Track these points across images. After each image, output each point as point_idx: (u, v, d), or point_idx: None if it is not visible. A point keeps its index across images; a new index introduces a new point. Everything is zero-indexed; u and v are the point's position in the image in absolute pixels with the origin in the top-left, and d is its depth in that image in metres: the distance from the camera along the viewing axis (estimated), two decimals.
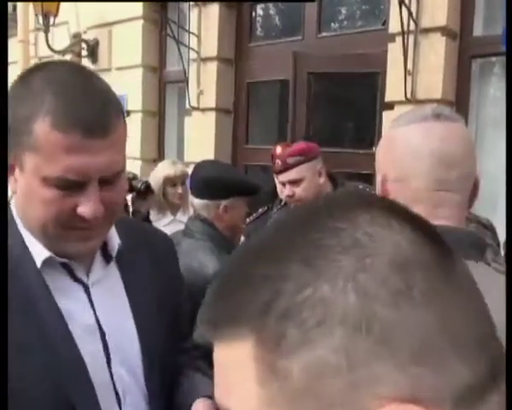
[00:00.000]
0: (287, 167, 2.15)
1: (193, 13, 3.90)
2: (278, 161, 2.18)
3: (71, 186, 0.80)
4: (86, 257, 0.92)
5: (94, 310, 0.90)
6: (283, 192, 2.21)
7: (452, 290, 0.33)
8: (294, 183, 2.16)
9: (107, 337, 0.90)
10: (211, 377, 0.39)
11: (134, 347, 0.94)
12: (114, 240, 0.95)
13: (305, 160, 2.14)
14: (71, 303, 0.88)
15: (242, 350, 0.34)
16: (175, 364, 1.04)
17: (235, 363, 0.34)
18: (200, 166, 2.03)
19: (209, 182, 1.80)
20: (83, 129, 0.78)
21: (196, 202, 1.85)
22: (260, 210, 2.80)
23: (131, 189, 2.43)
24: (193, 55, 3.93)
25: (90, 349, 0.87)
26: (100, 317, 0.90)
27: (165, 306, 0.99)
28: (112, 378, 0.90)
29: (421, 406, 0.30)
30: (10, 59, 4.91)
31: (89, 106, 0.80)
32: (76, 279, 0.91)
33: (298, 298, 0.32)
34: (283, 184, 2.20)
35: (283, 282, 0.32)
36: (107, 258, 0.96)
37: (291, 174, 2.15)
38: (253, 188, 1.87)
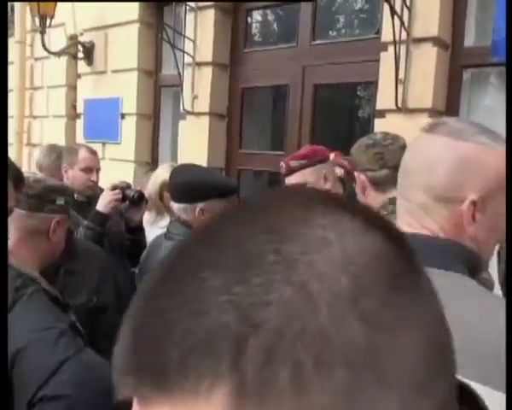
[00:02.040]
0: (290, 171, 2.14)
1: (189, 17, 3.92)
2: (283, 165, 2.18)
3: None
4: None
5: None
6: None
7: (427, 300, 0.30)
8: None
9: None
10: None
11: None
12: None
13: (309, 164, 2.11)
14: None
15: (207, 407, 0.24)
16: None
17: None
18: (176, 170, 2.05)
19: (185, 186, 1.83)
20: None
21: (175, 206, 1.88)
22: None
23: (124, 198, 2.43)
24: (188, 59, 3.95)
25: None
26: None
27: None
28: None
29: None
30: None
31: None
32: None
33: (287, 332, 0.24)
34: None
35: (263, 310, 0.25)
36: None
37: (294, 178, 2.13)
38: (229, 189, 1.89)
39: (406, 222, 0.82)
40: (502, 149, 0.80)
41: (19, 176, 1.15)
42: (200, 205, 1.78)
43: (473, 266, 0.78)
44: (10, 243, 1.40)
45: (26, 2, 4.67)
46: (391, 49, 2.84)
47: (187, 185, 1.82)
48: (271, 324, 0.24)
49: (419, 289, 0.29)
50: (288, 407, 0.24)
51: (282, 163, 2.19)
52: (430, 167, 0.79)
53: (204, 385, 0.24)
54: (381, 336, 0.25)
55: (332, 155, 2.68)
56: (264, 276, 0.26)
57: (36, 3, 4.23)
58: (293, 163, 2.13)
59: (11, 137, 5.91)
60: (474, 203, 0.78)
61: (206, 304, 0.25)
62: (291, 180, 2.17)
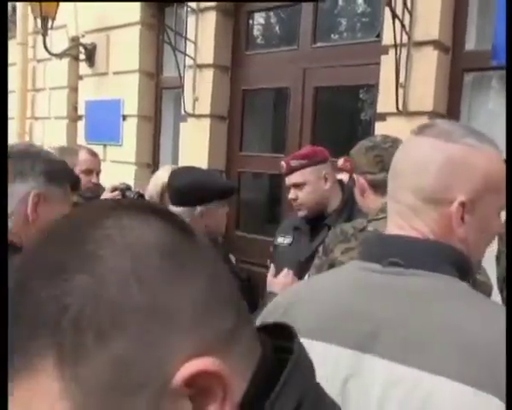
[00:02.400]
0: (290, 170, 2.16)
1: (190, 19, 3.92)
2: (283, 164, 2.19)
3: None
4: None
5: None
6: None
7: (204, 263, 0.42)
8: (297, 186, 2.16)
9: None
10: None
11: None
12: None
13: (309, 163, 2.14)
14: None
15: (44, 377, 0.35)
16: None
17: (38, 395, 0.35)
18: (174, 174, 2.04)
19: (183, 190, 1.82)
20: None
21: (174, 209, 1.86)
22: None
23: None
24: (189, 61, 3.95)
25: None
26: None
27: None
28: None
29: (209, 355, 0.38)
30: (9, 61, 4.92)
31: None
32: None
33: (88, 306, 0.36)
34: (289, 187, 2.21)
35: (69, 296, 0.36)
36: None
37: (294, 177, 2.16)
38: (227, 191, 1.89)
39: (396, 224, 0.82)
40: (490, 151, 0.80)
41: (76, 179, 1.14)
42: (199, 208, 1.78)
43: (463, 268, 0.77)
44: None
45: (28, 4, 4.68)
46: (392, 52, 2.84)
47: (185, 189, 1.82)
48: (76, 305, 0.35)
49: (194, 258, 0.41)
50: (95, 360, 0.35)
51: (282, 162, 2.20)
52: (419, 169, 0.79)
53: (35, 361, 0.35)
54: (161, 295, 0.37)
55: (341, 161, 2.69)
56: (70, 272, 0.37)
57: (38, 4, 4.24)
58: (294, 162, 2.15)
59: (13, 139, 5.92)
60: (462, 205, 0.78)
61: (33, 301, 0.36)
62: (291, 179, 2.18)
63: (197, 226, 1.75)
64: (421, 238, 0.78)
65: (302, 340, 0.80)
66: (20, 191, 0.97)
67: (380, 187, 1.60)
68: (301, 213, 2.21)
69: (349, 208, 2.14)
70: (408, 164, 0.81)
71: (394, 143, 1.64)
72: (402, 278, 0.75)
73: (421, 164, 0.79)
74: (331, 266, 1.56)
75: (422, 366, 0.66)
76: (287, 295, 0.90)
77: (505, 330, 0.65)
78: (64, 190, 1.09)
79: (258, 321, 0.83)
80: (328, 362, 0.74)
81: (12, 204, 0.95)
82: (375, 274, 0.78)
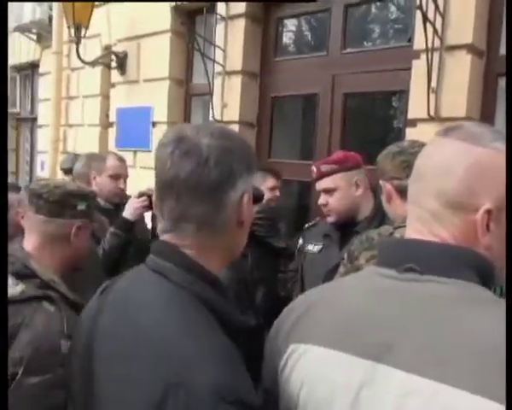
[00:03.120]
0: (321, 175, 2.12)
1: (219, 27, 3.94)
2: (314, 168, 2.15)
3: None
4: None
5: None
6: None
7: None
8: (327, 192, 2.11)
9: None
10: None
11: None
12: None
13: (340, 169, 2.09)
14: None
15: None
16: None
17: None
18: None
19: None
20: None
21: None
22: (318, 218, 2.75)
23: (151, 205, 2.44)
24: (218, 68, 3.96)
25: None
26: None
27: None
28: None
29: None
30: (44, 70, 5.12)
31: None
32: None
33: None
34: (319, 193, 2.17)
35: None
36: None
37: (324, 182, 2.12)
38: (256, 197, 1.84)
39: (415, 229, 0.77)
40: None
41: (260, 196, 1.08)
42: None
43: (485, 274, 0.72)
44: (31, 247, 1.42)
45: (63, 13, 4.78)
46: (423, 56, 2.77)
47: None
48: None
49: None
50: None
51: (313, 167, 2.16)
52: (442, 172, 0.75)
53: None
54: None
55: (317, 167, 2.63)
56: None
57: (71, 13, 4.33)
58: (325, 168, 2.10)
59: (47, 145, 6.06)
60: (488, 212, 0.73)
61: None
62: (321, 185, 2.14)
63: None
64: (438, 242, 0.74)
65: (317, 348, 0.77)
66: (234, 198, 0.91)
67: (407, 193, 1.55)
68: (330, 219, 2.16)
69: (380, 216, 2.08)
70: (431, 167, 0.77)
71: (422, 148, 1.58)
72: (417, 284, 0.71)
73: (446, 167, 0.75)
74: None
75: (440, 377, 0.62)
76: (312, 292, 0.88)
77: (506, 332, 0.61)
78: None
79: (284, 311, 0.79)
80: (342, 371, 0.71)
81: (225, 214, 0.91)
82: (391, 280, 0.74)
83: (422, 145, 1.58)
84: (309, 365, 0.76)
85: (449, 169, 0.74)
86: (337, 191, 2.10)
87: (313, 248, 2.28)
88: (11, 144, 7.83)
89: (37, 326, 1.29)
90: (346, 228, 2.13)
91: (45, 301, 1.32)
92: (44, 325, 1.29)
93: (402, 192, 1.55)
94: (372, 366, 0.69)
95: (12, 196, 2.07)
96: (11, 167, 7.68)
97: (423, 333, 0.66)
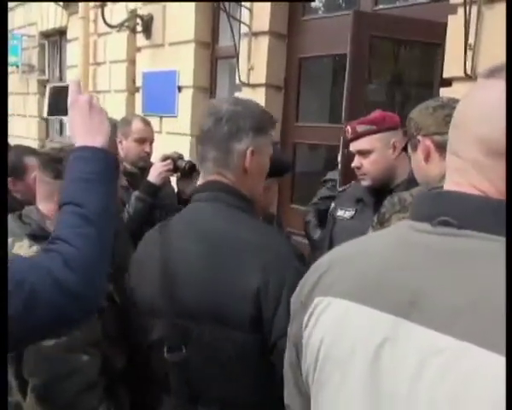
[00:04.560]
0: (356, 136, 2.02)
1: None
2: (348, 128, 2.05)
3: None
4: None
5: None
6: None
7: None
8: (362, 153, 2.01)
9: None
10: None
11: None
12: None
13: (377, 130, 1.98)
14: None
15: None
16: None
17: None
18: None
19: None
20: None
21: None
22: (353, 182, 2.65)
23: (176, 169, 2.40)
24: (244, 29, 3.85)
25: None
26: None
27: None
28: None
29: None
30: (72, 36, 5.09)
31: None
32: None
33: None
34: (353, 154, 2.07)
35: None
36: None
37: (359, 144, 2.01)
38: (283, 167, 1.75)
39: (453, 181, 0.69)
40: None
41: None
42: None
43: None
44: (47, 211, 1.39)
45: None
46: (461, 11, 2.62)
47: None
48: None
49: None
50: None
51: (347, 127, 2.06)
52: (486, 118, 0.66)
53: None
54: None
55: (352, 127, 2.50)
56: None
57: None
58: (360, 128, 2.00)
59: None
60: None
61: None
62: (356, 146, 2.04)
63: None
64: (478, 195, 0.67)
65: (339, 301, 0.73)
66: (239, 149, 1.22)
67: None
68: (365, 183, 2.06)
69: None
70: (473, 111, 0.69)
71: None
72: (452, 239, 0.65)
73: (489, 111, 0.66)
74: None
75: (468, 336, 0.57)
76: (332, 252, 0.83)
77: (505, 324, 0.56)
78: (269, 137, 1.29)
79: (309, 270, 0.81)
80: (364, 325, 0.67)
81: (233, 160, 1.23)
82: (423, 234, 0.68)
83: None
84: (330, 319, 0.72)
85: (492, 114, 0.66)
86: (373, 153, 1.99)
87: (344, 213, 2.20)
88: (41, 112, 7.91)
89: None
90: (381, 193, 1.99)
91: None
92: None
93: (443, 149, 1.46)
94: (396, 322, 0.64)
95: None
96: (41, 135, 7.77)
97: (454, 291, 0.61)
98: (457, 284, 0.61)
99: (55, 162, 1.41)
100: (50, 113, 1.29)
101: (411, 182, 1.96)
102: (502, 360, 0.55)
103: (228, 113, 1.21)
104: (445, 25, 2.77)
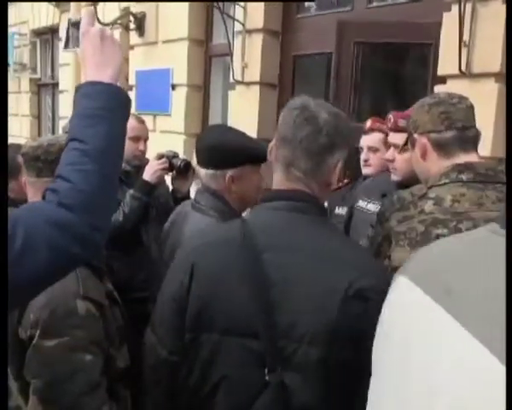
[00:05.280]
0: (396, 129, 1.99)
1: None
2: (391, 118, 2.02)
3: None
4: None
5: None
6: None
7: None
8: (397, 148, 1.97)
9: None
10: None
11: None
12: None
13: None
14: None
15: None
16: None
17: None
18: (205, 133, 1.90)
19: (213, 150, 1.64)
20: None
21: (202, 172, 1.70)
22: (345, 180, 2.65)
23: (171, 167, 2.38)
24: (238, 27, 3.84)
25: None
26: None
27: None
28: None
29: None
30: (63, 34, 4.98)
31: None
32: None
33: None
34: (390, 146, 2.05)
35: None
36: None
37: (398, 137, 1.95)
38: (261, 154, 1.70)
39: None
40: None
41: None
42: (230, 172, 1.61)
43: None
44: None
45: None
46: (455, 8, 2.62)
47: (214, 149, 1.63)
48: None
49: None
50: None
51: (390, 116, 2.04)
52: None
53: None
54: None
55: (368, 123, 2.50)
56: None
57: None
58: (402, 122, 1.95)
59: (69, 111, 6.03)
60: None
61: None
62: (395, 139, 2.00)
63: (229, 193, 1.65)
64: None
65: (403, 277, 0.70)
66: (330, 163, 1.20)
67: (445, 147, 1.44)
68: (395, 178, 2.03)
69: None
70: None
71: (462, 99, 1.47)
72: None
73: None
74: (386, 236, 1.44)
75: (484, 339, 0.53)
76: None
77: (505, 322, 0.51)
78: None
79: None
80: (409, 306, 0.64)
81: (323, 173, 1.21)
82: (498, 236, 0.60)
83: (461, 97, 1.48)
84: (392, 298, 0.69)
85: None
86: (408, 151, 1.98)
87: (366, 205, 2.15)
88: (33, 111, 7.84)
89: (52, 288, 1.26)
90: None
91: None
92: (59, 287, 1.26)
93: (439, 147, 1.44)
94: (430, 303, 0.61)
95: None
96: (33, 135, 7.71)
97: (487, 283, 0.57)
98: (489, 276, 0.58)
99: (34, 161, 1.40)
100: (66, 45, 1.25)
101: None
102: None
103: (329, 125, 1.16)
104: (436, 24, 2.77)
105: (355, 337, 1.02)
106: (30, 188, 1.45)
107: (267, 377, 1.06)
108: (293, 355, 1.06)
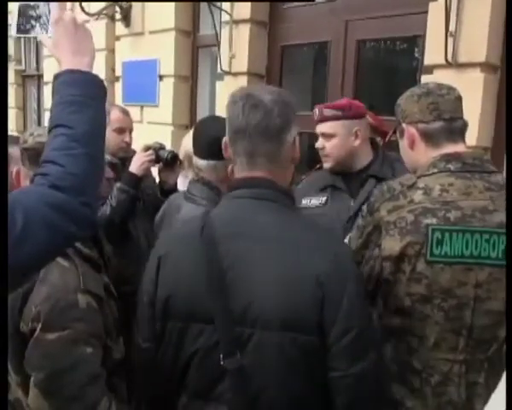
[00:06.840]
0: (322, 119, 2.09)
1: None
2: (316, 111, 2.11)
3: None
4: None
5: None
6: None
7: None
8: (326, 136, 2.08)
9: None
10: None
11: None
12: None
13: (343, 116, 2.05)
14: None
15: None
16: None
17: None
18: (204, 123, 1.89)
19: (215, 141, 1.60)
20: None
21: (201, 163, 1.71)
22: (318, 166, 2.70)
23: (158, 159, 2.37)
24: (225, 17, 3.81)
25: None
26: None
27: None
28: None
29: None
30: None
31: None
32: None
33: None
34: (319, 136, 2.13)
35: None
36: None
37: (324, 126, 2.08)
38: None
39: None
40: None
41: None
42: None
43: None
44: None
45: None
46: None
47: (217, 141, 1.66)
48: None
49: None
50: None
51: (315, 109, 2.12)
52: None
53: None
54: None
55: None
56: None
57: None
58: (327, 112, 2.07)
59: None
60: None
61: None
62: (322, 128, 2.10)
63: (226, 184, 1.64)
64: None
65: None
66: (289, 140, 1.22)
67: (433, 138, 1.45)
68: (326, 165, 2.13)
69: (378, 165, 2.08)
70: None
71: (450, 90, 1.48)
72: None
73: None
74: (376, 226, 1.45)
75: None
76: None
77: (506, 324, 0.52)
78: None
79: None
80: None
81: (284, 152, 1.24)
82: None
83: (450, 87, 1.49)
84: None
85: None
86: (335, 138, 2.06)
87: (309, 202, 2.19)
88: (18, 102, 7.74)
89: (53, 281, 1.28)
90: (347, 176, 2.09)
91: (59, 257, 1.29)
92: (60, 280, 1.27)
93: (427, 137, 1.46)
94: None
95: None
96: (19, 127, 7.62)
97: None
98: None
99: (34, 155, 1.39)
100: (19, 30, 1.24)
101: (370, 165, 2.06)
102: None
103: (277, 104, 1.17)
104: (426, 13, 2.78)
105: (313, 321, 1.06)
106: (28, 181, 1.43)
107: (222, 363, 1.09)
108: (249, 340, 1.09)
